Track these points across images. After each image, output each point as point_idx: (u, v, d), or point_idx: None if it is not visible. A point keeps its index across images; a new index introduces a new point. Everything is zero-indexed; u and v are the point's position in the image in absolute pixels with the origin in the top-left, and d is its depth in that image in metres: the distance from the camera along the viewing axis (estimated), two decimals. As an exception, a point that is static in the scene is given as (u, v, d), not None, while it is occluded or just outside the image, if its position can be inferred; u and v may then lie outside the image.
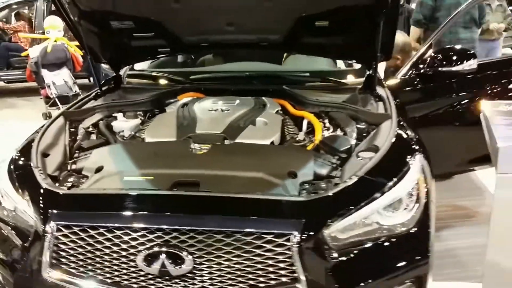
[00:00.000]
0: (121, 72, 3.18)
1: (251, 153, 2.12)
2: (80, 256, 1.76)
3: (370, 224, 1.82)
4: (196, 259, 1.67)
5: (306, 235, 1.68)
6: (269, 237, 1.67)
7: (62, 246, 1.77)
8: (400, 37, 3.44)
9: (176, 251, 1.66)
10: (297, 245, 1.66)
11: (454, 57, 3.00)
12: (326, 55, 2.96)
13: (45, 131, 2.37)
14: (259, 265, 1.68)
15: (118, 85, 3.03)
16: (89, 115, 2.55)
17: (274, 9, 2.47)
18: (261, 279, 1.69)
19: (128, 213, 1.76)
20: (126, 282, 1.73)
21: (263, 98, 2.66)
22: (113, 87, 2.98)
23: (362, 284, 1.74)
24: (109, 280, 1.75)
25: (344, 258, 1.73)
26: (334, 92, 2.74)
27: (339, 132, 2.34)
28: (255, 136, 2.24)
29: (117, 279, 1.74)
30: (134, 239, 1.70)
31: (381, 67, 3.09)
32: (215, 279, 1.69)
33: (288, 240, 1.66)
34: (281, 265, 1.68)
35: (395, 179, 1.89)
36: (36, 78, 7.17)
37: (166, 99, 2.74)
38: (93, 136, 2.43)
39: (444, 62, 3.02)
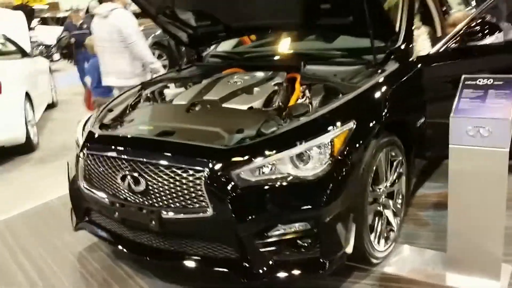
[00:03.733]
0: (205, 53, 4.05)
1: (224, 114, 2.73)
2: (97, 174, 2.68)
3: (283, 173, 2.27)
4: (148, 182, 2.41)
5: (214, 173, 2.26)
6: (191, 171, 2.31)
7: (89, 167, 2.72)
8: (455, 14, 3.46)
9: (136, 175, 2.44)
10: (205, 179, 2.26)
11: (482, 31, 2.96)
12: (339, 33, 3.28)
13: (121, 94, 3.38)
14: (186, 191, 2.33)
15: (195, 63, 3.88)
16: (156, 85, 3.46)
17: None
18: (188, 201, 2.33)
19: (117, 148, 2.59)
20: (116, 193, 2.57)
21: (280, 72, 3.16)
22: (189, 65, 3.85)
23: (252, 215, 2.23)
24: (109, 191, 2.62)
25: (245, 194, 2.25)
26: (346, 66, 3.06)
27: (307, 101, 2.74)
28: (240, 102, 2.81)
29: (112, 191, 2.60)
30: (119, 165, 2.53)
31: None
32: (160, 198, 2.40)
33: (201, 174, 2.28)
34: (200, 192, 2.29)
35: (307, 138, 2.29)
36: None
37: (214, 72, 3.46)
38: (149, 100, 3.33)
39: (474, 36, 3.00)
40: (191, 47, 3.96)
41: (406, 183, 2.93)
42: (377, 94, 2.69)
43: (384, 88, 2.75)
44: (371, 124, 2.50)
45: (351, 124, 2.39)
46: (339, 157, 2.30)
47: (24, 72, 6.43)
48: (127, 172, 2.47)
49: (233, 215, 2.23)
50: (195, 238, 2.41)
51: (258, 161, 2.27)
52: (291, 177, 2.26)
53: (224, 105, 2.82)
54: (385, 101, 2.70)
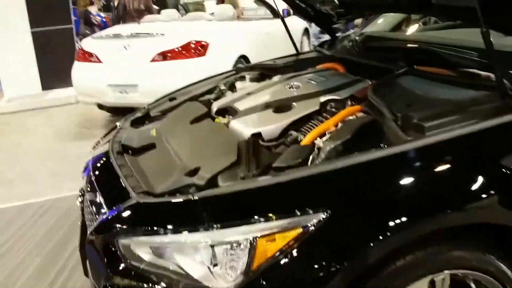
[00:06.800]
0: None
1: (217, 138, 1.84)
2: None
3: (181, 269, 1.34)
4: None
5: (96, 232, 1.52)
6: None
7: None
8: None
9: None
10: (90, 237, 1.54)
11: None
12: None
13: (213, 76, 2.78)
14: None
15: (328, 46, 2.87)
16: (242, 72, 2.70)
17: None
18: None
19: None
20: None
21: (366, 81, 1.97)
22: (311, 50, 2.90)
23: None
24: None
25: (124, 280, 1.42)
26: (465, 89, 1.65)
27: (320, 144, 1.55)
28: (254, 122, 1.84)
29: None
30: None
31: None
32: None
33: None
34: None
35: (221, 221, 1.28)
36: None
37: (308, 66, 2.46)
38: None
39: None
40: (320, 26, 2.94)
41: None
42: (457, 163, 1.33)
43: (487, 151, 1.35)
44: (398, 219, 1.23)
45: (313, 218, 1.21)
46: (262, 275, 1.20)
47: (244, 34, 6.25)
48: None
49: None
50: None
51: (160, 236, 1.38)
52: (184, 278, 1.31)
53: (233, 121, 1.91)
54: (472, 178, 1.31)
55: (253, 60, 6.05)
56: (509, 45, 1.77)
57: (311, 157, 1.50)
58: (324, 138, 1.59)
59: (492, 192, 1.29)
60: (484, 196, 1.29)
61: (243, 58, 5.92)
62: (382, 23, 2.88)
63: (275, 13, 7.41)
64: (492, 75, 1.62)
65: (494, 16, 1.50)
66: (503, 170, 1.31)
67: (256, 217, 1.24)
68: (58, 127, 5.73)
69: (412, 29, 2.72)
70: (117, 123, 2.38)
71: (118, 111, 5.55)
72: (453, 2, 1.69)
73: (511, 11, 1.51)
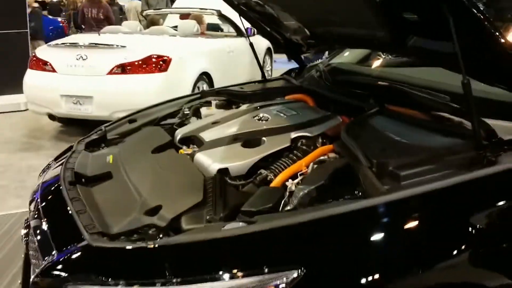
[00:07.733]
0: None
1: (180, 171, 1.72)
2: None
3: None
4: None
5: (42, 275, 1.36)
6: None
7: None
8: None
9: None
10: (35, 279, 1.38)
11: None
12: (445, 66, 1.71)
13: (177, 99, 2.64)
14: None
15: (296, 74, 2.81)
16: (208, 97, 2.60)
17: None
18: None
19: None
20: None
21: (337, 117, 1.92)
22: (279, 77, 2.83)
23: None
24: None
25: None
26: (439, 135, 1.61)
27: (293, 187, 1.47)
28: (220, 157, 1.74)
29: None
30: None
31: None
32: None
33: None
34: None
35: (186, 278, 1.16)
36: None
37: (276, 95, 2.39)
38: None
39: None
40: (289, 55, 2.88)
41: None
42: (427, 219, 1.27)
43: (458, 207, 1.30)
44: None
45: (285, 277, 1.11)
46: None
47: (207, 51, 6.14)
48: None
49: None
50: None
51: None
52: None
53: (199, 154, 1.80)
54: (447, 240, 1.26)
55: (215, 77, 5.96)
56: (479, 90, 1.75)
57: (282, 201, 1.42)
58: (296, 180, 1.51)
59: (461, 250, 1.25)
60: (454, 254, 1.24)
61: (205, 75, 5.80)
62: (348, 55, 2.86)
63: (239, 31, 7.35)
64: (464, 121, 1.61)
65: (473, 63, 1.48)
66: (470, 229, 1.27)
67: (220, 272, 1.13)
68: (4, 136, 5.40)
69: (380, 62, 2.70)
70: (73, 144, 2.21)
71: (70, 122, 5.33)
72: (430, 46, 1.66)
73: (492, 58, 1.48)
